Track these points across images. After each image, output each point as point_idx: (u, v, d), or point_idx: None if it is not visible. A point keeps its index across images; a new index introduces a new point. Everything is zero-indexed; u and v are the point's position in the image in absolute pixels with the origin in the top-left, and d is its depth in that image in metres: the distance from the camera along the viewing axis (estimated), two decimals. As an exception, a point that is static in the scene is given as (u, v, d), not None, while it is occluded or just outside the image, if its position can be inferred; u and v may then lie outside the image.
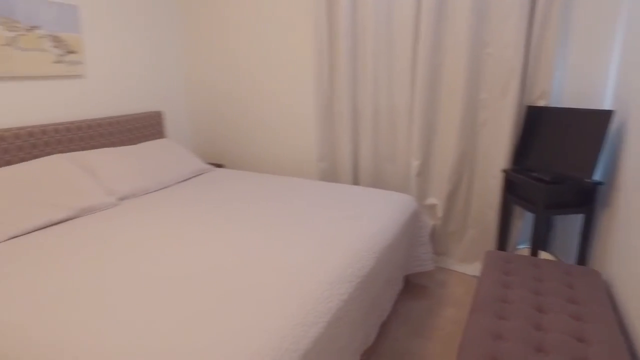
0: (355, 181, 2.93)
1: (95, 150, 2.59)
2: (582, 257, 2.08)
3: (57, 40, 2.54)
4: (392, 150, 2.74)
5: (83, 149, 2.66)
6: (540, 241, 2.12)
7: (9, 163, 2.28)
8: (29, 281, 1.46)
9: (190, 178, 2.85)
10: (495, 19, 2.28)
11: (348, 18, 2.59)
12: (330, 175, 2.98)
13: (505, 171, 2.34)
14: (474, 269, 2.57)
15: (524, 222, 2.45)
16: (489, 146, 2.45)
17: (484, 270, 1.86)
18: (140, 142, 3.09)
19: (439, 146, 2.59)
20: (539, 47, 2.18)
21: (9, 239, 1.84)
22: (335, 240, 1.73)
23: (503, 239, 2.45)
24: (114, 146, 2.86)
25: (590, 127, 1.94)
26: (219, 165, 3.53)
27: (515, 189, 2.30)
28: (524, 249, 2.48)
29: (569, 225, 2.38)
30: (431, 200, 2.66)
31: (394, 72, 2.61)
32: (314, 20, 2.69)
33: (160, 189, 2.60)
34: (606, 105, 2.15)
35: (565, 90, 2.27)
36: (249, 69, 3.25)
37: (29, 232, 1.91)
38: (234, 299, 1.30)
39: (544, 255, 2.32)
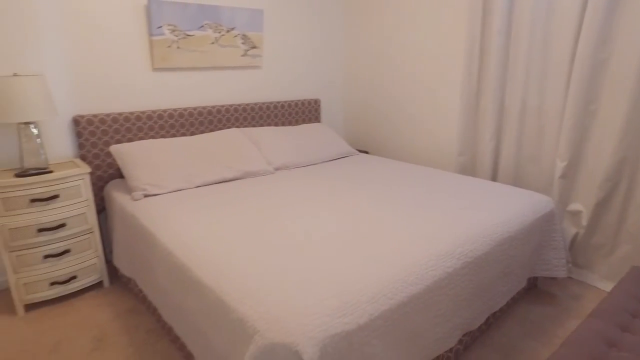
0: (494, 178, 2.87)
1: (263, 127, 3.15)
2: None
3: (245, 38, 3.15)
4: (536, 150, 2.61)
5: (253, 125, 3.26)
6: None
7: (202, 132, 2.98)
8: (208, 216, 1.97)
9: (336, 159, 3.21)
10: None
11: (504, 15, 2.56)
12: (468, 169, 2.98)
13: (675, 182, 2.03)
14: (621, 289, 2.29)
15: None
16: (658, 152, 2.15)
17: (621, 281, 1.71)
18: (298, 124, 3.59)
19: (592, 148, 2.36)
20: None
21: (196, 187, 2.45)
22: (452, 223, 1.83)
23: (664, 261, 2.13)
24: (277, 125, 3.40)
25: None
26: (364, 152, 3.83)
27: (685, 204, 1.98)
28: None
29: None
30: (576, 206, 2.45)
31: (547, 70, 2.48)
32: (468, 16, 2.72)
33: (310, 164, 3.01)
34: None
35: None
36: (400, 64, 3.44)
37: (209, 184, 2.50)
38: (356, 252, 1.56)
39: None
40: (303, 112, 3.62)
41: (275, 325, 1.17)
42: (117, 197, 2.40)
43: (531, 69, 2.54)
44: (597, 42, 2.22)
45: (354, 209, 2.04)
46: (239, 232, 1.77)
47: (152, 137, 2.79)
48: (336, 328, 1.17)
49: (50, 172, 2.21)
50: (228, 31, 3.03)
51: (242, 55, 3.18)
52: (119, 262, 2.41)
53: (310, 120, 3.69)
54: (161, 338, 2.02)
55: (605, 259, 2.39)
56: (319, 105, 3.75)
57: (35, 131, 2.21)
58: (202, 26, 2.89)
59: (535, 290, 2.33)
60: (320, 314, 1.20)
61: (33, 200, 2.12)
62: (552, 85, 2.46)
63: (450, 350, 1.71)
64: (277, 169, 2.86)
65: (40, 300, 2.26)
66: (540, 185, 2.62)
